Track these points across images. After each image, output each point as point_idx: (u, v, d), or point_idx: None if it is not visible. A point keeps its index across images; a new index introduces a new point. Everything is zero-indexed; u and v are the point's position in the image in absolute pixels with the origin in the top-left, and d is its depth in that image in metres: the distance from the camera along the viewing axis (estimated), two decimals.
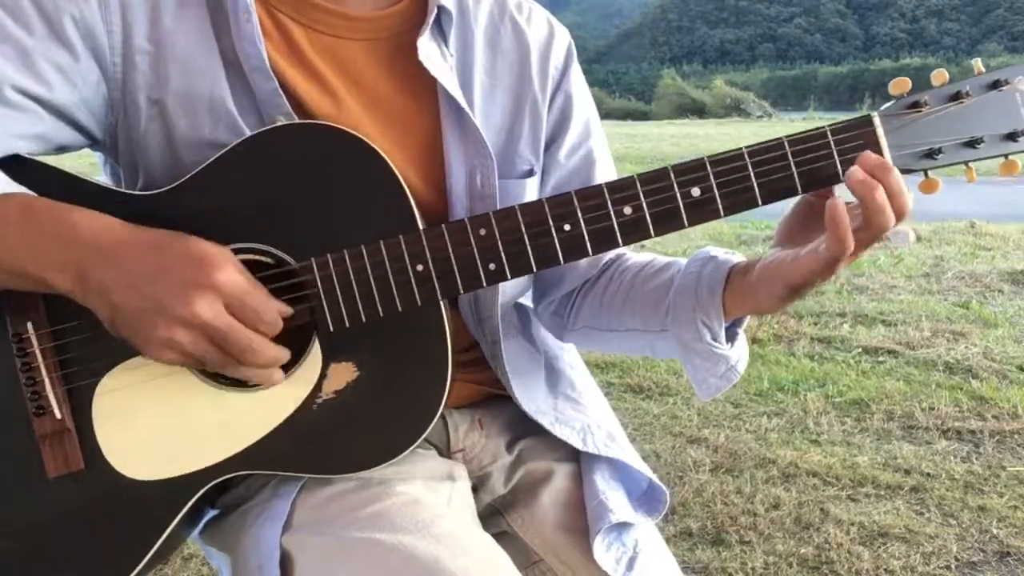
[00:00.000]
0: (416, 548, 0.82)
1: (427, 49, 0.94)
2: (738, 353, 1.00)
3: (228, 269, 0.79)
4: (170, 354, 0.79)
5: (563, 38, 1.09)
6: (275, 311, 0.82)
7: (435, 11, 0.95)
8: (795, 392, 3.27)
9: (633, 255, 1.12)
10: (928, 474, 2.58)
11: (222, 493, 0.97)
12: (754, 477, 2.56)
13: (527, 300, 1.17)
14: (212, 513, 1.00)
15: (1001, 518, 2.32)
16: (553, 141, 1.07)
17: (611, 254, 1.12)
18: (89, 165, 1.05)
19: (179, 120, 0.88)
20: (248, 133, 0.88)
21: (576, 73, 1.09)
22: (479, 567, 0.82)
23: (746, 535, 2.24)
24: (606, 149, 1.13)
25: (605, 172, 1.11)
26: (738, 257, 0.98)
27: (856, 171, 0.83)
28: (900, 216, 0.83)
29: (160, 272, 0.77)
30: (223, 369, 0.82)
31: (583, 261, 1.06)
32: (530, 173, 1.04)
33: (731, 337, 0.99)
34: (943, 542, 2.20)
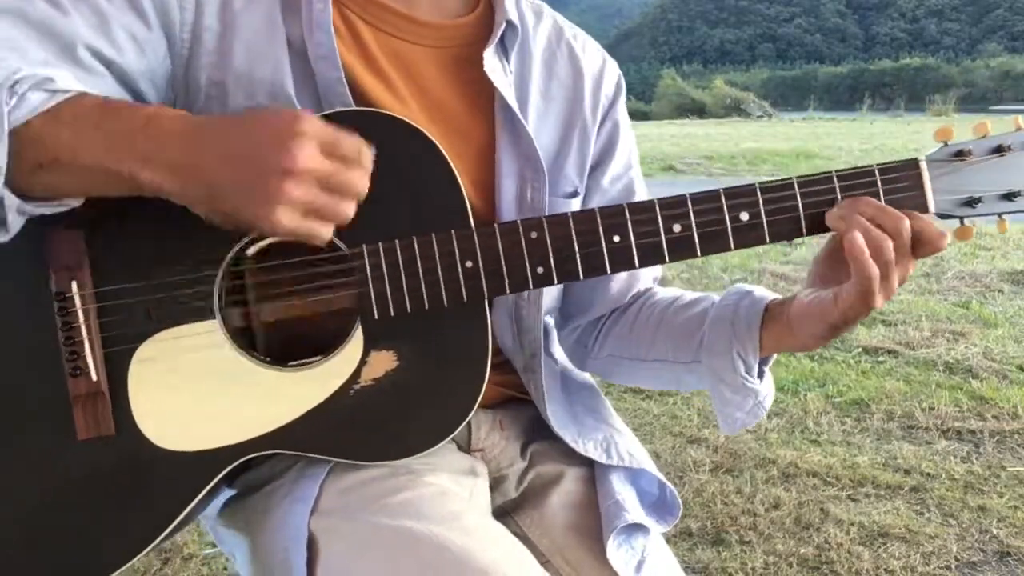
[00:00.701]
0: (447, 539, 0.82)
1: (491, 62, 0.97)
2: (766, 389, 1.01)
3: (311, 118, 0.76)
4: (287, 214, 0.74)
5: (614, 70, 1.12)
6: (364, 144, 0.78)
7: (503, 26, 0.98)
8: (795, 392, 3.27)
9: (661, 290, 1.14)
10: (928, 474, 2.58)
11: (242, 472, 0.97)
12: (754, 477, 2.56)
13: (546, 318, 1.18)
14: (229, 493, 1.00)
15: (1001, 518, 2.32)
16: (598, 166, 1.10)
17: (640, 286, 1.13)
18: None
19: (237, 102, 0.89)
20: None
21: (623, 105, 1.13)
22: (508, 560, 0.83)
23: (746, 535, 2.24)
24: (643, 182, 1.15)
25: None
26: (772, 295, 1.00)
27: (834, 209, 0.88)
28: (895, 234, 0.85)
29: (249, 136, 0.75)
30: (332, 213, 0.77)
31: (614, 288, 1.10)
32: (574, 194, 1.06)
33: (759, 374, 1.00)
34: (943, 542, 2.20)
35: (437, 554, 0.81)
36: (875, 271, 0.83)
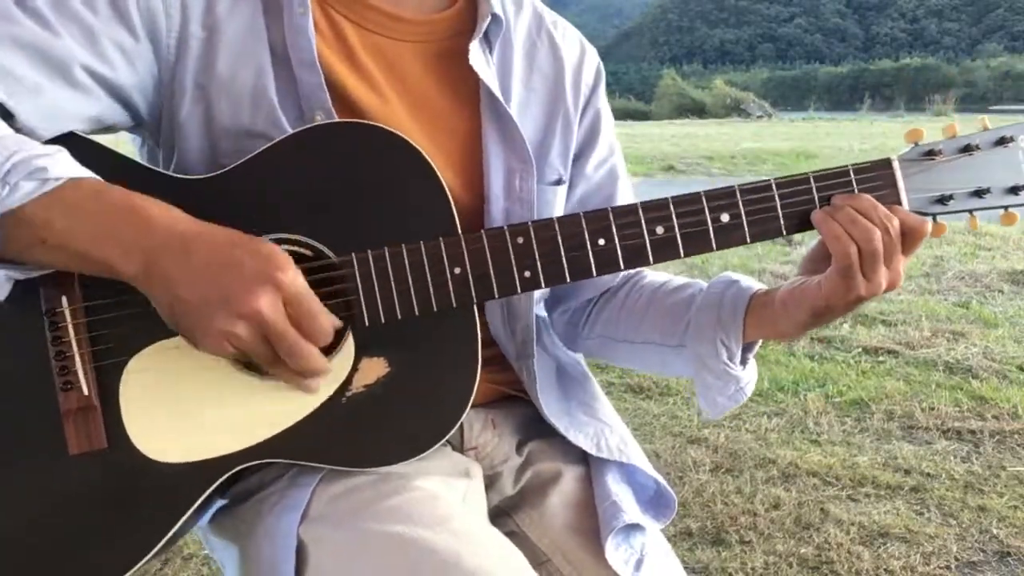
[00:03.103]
0: (436, 543, 0.82)
1: (476, 55, 0.98)
2: (748, 376, 1.03)
3: (292, 269, 0.80)
4: (225, 346, 0.79)
5: (593, 58, 1.14)
6: (328, 321, 0.82)
7: (488, 19, 0.99)
8: (795, 392, 3.27)
9: (650, 272, 1.16)
10: (928, 474, 2.58)
11: (233, 483, 0.97)
12: (754, 477, 2.56)
13: (539, 308, 1.18)
14: (220, 503, 0.99)
15: (1001, 518, 2.32)
16: (581, 154, 1.11)
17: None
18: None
19: (221, 107, 0.90)
20: (286, 125, 0.90)
21: (603, 92, 1.14)
22: (497, 564, 0.83)
23: (746, 535, 2.24)
24: (625, 167, 1.17)
25: (626, 188, 1.15)
26: (759, 285, 1.02)
27: (818, 210, 0.91)
28: (884, 230, 0.87)
29: (230, 265, 0.78)
30: (268, 366, 0.82)
31: None
32: (559, 182, 1.07)
33: (743, 360, 1.02)
34: (943, 542, 2.20)
35: (425, 558, 0.80)
36: (852, 248, 0.86)
